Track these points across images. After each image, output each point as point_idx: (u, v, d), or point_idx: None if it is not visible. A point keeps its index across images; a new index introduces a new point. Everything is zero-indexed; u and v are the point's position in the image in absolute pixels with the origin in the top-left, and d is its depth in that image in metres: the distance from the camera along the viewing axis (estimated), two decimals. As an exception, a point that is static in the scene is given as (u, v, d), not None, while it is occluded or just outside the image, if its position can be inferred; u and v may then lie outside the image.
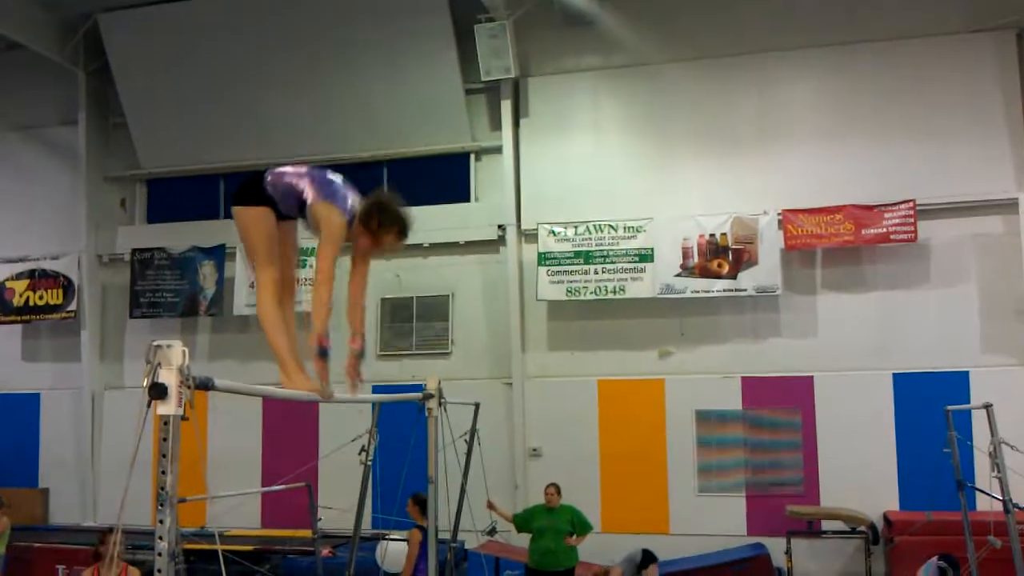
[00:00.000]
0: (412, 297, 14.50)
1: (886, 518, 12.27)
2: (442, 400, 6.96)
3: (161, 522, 3.09)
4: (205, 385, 3.27)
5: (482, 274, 14.31)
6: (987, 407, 7.30)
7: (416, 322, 14.46)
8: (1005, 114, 12.58)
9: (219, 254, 14.84)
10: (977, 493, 9.32)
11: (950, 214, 12.63)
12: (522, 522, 10.00)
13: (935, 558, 9.54)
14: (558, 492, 9.89)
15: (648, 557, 10.78)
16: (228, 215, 6.10)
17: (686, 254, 13.13)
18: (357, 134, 14.38)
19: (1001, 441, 6.49)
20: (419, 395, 6.89)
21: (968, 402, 10.82)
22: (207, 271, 14.82)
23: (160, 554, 3.09)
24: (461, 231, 14.23)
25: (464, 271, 14.39)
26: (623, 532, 12.67)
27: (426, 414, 6.89)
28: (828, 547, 12.61)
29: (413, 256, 13.99)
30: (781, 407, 13.12)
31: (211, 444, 11.67)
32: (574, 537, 9.57)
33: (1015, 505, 6.31)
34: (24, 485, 15.27)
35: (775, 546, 12.38)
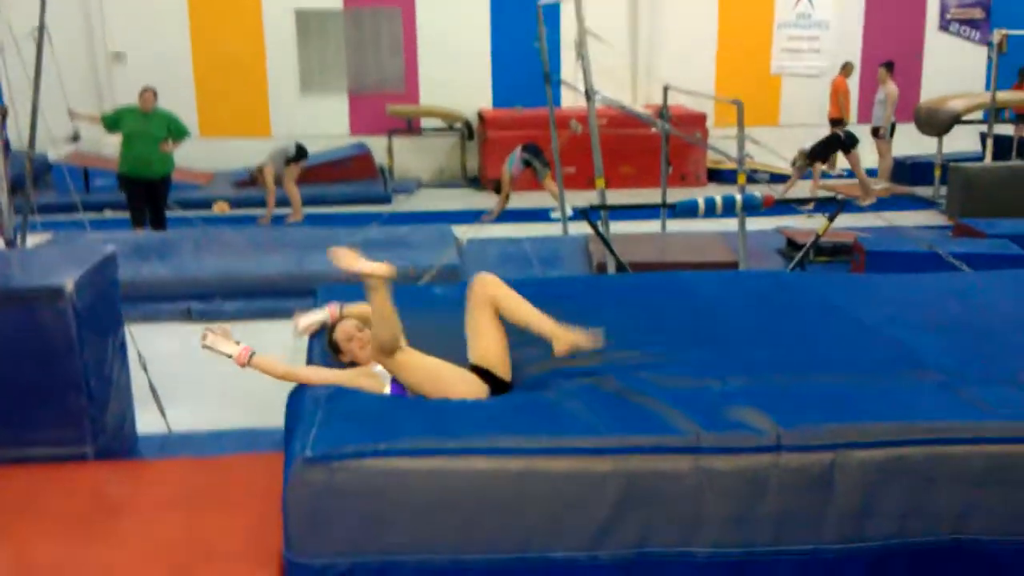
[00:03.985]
0: None
1: (480, 115, 12.92)
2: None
3: None
4: None
5: None
6: None
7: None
8: None
9: None
10: (563, 88, 9.95)
11: None
12: (112, 123, 9.17)
13: (519, 148, 10.26)
14: (155, 96, 9.08)
15: (301, 151, 10.53)
16: None
17: None
18: None
19: (588, 31, 6.78)
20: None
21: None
22: None
23: None
24: None
25: None
26: (223, 136, 12.30)
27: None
28: (426, 144, 13.17)
29: None
30: (382, 6, 12.88)
31: None
32: (169, 143, 9.02)
33: (595, 93, 6.77)
34: None
35: (377, 145, 12.70)
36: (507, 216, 10.18)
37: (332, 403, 3.18)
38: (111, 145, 10.31)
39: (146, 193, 9.10)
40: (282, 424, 4.49)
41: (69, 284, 3.90)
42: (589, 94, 6.85)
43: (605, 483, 2.83)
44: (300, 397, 3.36)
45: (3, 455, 3.87)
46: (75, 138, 9.49)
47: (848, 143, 11.25)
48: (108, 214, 10.54)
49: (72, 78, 9.43)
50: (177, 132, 9.08)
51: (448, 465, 2.83)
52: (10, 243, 5.39)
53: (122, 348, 4.41)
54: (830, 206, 6.63)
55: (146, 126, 8.92)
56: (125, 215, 9.52)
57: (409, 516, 2.82)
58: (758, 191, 6.25)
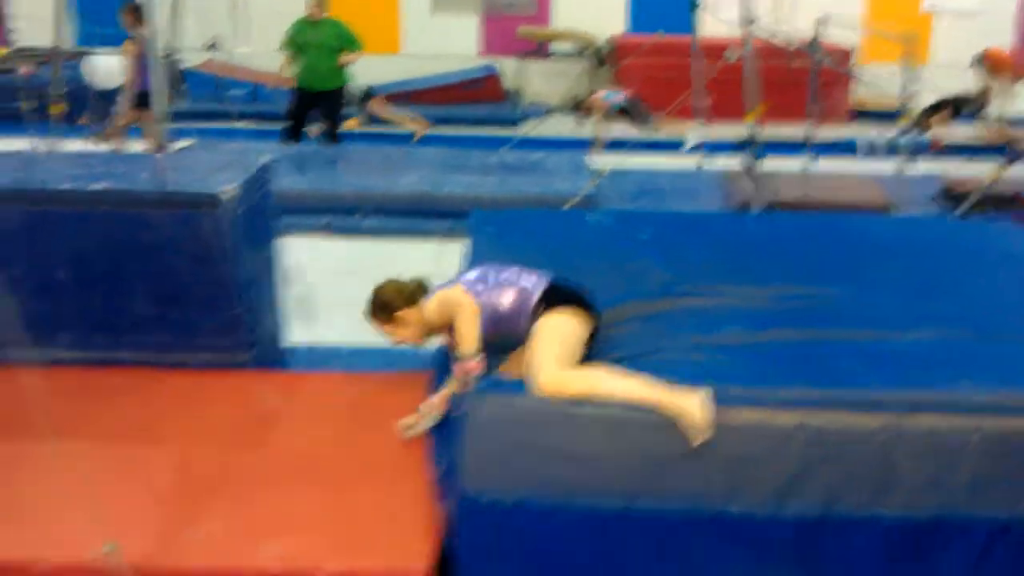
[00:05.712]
0: None
1: (613, 41, 12.57)
2: None
3: None
4: None
5: None
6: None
7: None
8: None
9: None
10: (703, 15, 9.56)
11: None
12: (292, 45, 9.02)
13: (623, 92, 9.95)
14: (322, 6, 8.89)
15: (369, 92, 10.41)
16: None
17: None
18: None
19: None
20: None
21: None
22: None
23: None
24: None
25: None
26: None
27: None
28: (557, 69, 12.90)
29: None
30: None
31: None
32: (348, 55, 8.82)
33: (753, 21, 6.44)
34: None
35: (507, 68, 12.50)
36: (637, 146, 9.90)
37: None
38: (245, 57, 10.31)
39: (318, 106, 8.96)
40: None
41: (230, 191, 3.89)
42: (745, 21, 6.52)
43: (791, 438, 2.67)
44: None
45: (164, 359, 3.92)
46: (213, 46, 9.51)
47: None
48: (242, 124, 10.63)
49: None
50: (348, 42, 8.87)
51: (625, 411, 2.70)
52: (161, 148, 5.42)
53: (274, 259, 4.40)
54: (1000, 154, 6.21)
55: (316, 36, 8.78)
56: (259, 126, 9.56)
57: (583, 459, 2.71)
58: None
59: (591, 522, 2.72)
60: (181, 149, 6.17)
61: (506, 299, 3.20)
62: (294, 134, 8.94)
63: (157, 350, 3.91)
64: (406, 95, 11.55)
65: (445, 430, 3.20)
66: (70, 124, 8.44)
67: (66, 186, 3.97)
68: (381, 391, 3.93)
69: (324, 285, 5.10)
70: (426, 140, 10.27)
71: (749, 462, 2.68)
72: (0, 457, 3.35)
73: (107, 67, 8.82)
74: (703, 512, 2.69)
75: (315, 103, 8.88)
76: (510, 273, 3.30)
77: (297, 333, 4.53)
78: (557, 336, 2.97)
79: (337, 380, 4.06)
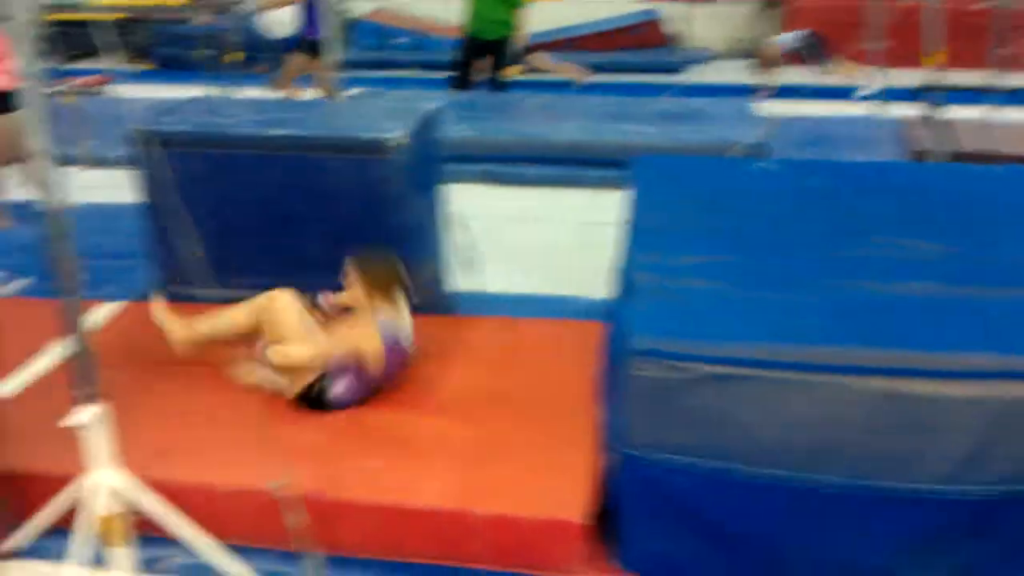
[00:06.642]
0: None
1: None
2: None
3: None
4: None
5: None
6: None
7: None
8: None
9: None
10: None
11: None
12: None
13: (800, 32, 9.50)
14: None
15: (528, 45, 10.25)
16: None
17: None
18: None
19: None
20: None
21: None
22: None
23: None
24: None
25: None
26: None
27: None
28: (721, 12, 12.50)
29: None
30: None
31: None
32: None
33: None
34: None
35: (668, 11, 12.22)
36: (807, 93, 9.52)
37: (676, 292, 2.96)
38: (410, 4, 10.40)
39: (486, 54, 8.91)
40: (583, 293, 4.47)
41: (399, 138, 3.96)
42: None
43: (970, 410, 2.53)
44: (633, 277, 3.14)
45: (335, 302, 4.05)
46: None
47: None
48: (407, 73, 10.78)
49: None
50: None
51: (797, 379, 2.60)
52: (333, 96, 5.57)
53: (438, 206, 4.47)
54: None
55: None
56: (424, 75, 9.66)
57: (751, 426, 2.64)
58: None
59: (757, 489, 2.66)
60: (351, 97, 6.31)
61: None
62: (463, 82, 8.98)
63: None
64: (567, 42, 11.46)
65: (609, 381, 3.19)
66: (244, 72, 8.78)
67: (245, 131, 4.14)
68: (545, 337, 3.96)
69: (485, 233, 5.13)
70: (587, 88, 10.17)
71: (927, 434, 2.56)
72: (184, 393, 3.57)
73: (280, 17, 9.09)
74: (878, 488, 2.60)
75: (484, 51, 8.90)
76: None
77: (460, 280, 4.59)
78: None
79: (502, 325, 4.12)
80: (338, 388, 3.44)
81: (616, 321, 3.13)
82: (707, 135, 6.81)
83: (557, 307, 4.37)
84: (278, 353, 3.44)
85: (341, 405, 3.45)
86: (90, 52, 9.12)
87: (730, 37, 12.46)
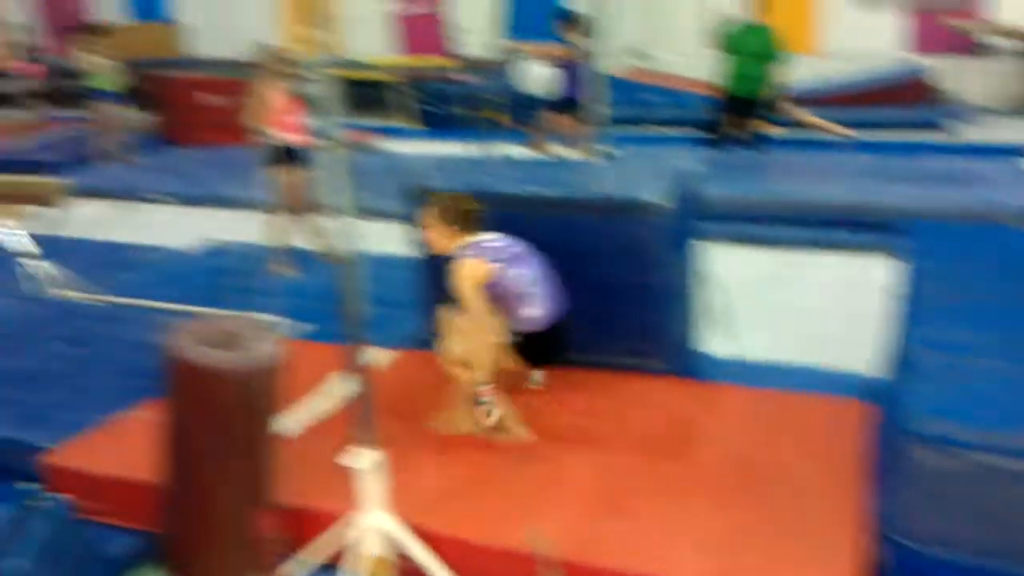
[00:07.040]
0: None
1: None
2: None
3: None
4: None
5: None
6: None
7: None
8: None
9: None
10: None
11: None
12: (727, 45, 8.94)
13: None
14: (763, 7, 8.69)
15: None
16: None
17: None
18: None
19: None
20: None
21: None
22: None
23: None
24: None
25: None
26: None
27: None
28: (989, 67, 11.74)
29: None
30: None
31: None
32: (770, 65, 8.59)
33: None
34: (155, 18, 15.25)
35: (931, 66, 11.61)
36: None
37: (962, 372, 2.77)
38: (666, 62, 10.38)
39: (745, 111, 8.76)
40: (849, 367, 4.23)
41: (662, 199, 3.96)
42: None
43: None
44: (914, 354, 2.96)
45: (584, 358, 4.07)
46: (644, 55, 9.58)
47: None
48: (663, 131, 10.76)
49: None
50: (777, 51, 8.57)
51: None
52: (596, 156, 5.63)
53: (693, 266, 4.41)
54: None
55: (752, 43, 8.67)
56: (679, 132, 9.60)
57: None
58: None
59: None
60: (610, 156, 6.41)
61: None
62: (719, 141, 8.88)
63: (578, 348, 4.06)
64: (823, 99, 11.10)
65: (883, 466, 3.01)
66: (505, 129, 9.08)
67: (510, 190, 4.26)
68: (805, 412, 3.78)
69: (738, 295, 5.00)
70: (846, 146, 9.79)
71: None
72: (452, 446, 3.67)
73: (540, 75, 9.37)
74: None
75: (741, 109, 8.78)
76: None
77: (712, 343, 4.50)
78: None
79: (758, 396, 3.98)
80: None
81: (894, 401, 2.95)
82: (978, 198, 6.40)
83: (812, 379, 4.17)
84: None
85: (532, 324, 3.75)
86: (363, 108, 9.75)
87: (1000, 93, 11.69)
